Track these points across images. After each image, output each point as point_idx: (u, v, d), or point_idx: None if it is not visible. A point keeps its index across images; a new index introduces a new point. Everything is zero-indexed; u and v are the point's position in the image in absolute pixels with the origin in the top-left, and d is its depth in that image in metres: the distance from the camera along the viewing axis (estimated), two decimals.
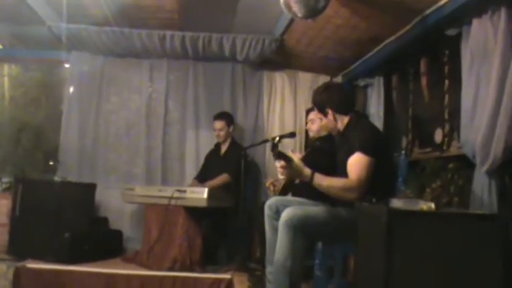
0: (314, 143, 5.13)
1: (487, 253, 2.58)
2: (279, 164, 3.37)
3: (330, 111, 3.64)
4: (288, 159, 3.29)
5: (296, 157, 3.40)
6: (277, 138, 3.57)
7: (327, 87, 3.88)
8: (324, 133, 5.05)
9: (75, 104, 6.83)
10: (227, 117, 6.34)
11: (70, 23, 5.96)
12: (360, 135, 3.46)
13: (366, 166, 3.31)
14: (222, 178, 5.93)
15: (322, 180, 3.35)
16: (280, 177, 3.55)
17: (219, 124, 6.27)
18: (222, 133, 6.28)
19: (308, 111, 5.31)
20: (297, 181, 4.53)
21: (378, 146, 3.44)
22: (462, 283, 2.54)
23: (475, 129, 3.62)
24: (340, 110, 3.65)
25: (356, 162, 3.34)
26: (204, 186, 5.53)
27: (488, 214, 3.08)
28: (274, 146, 3.30)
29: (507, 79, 3.32)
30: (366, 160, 3.32)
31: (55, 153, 6.66)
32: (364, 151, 3.33)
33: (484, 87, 3.57)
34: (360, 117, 3.71)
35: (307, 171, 3.35)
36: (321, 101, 3.71)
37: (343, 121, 3.67)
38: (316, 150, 4.86)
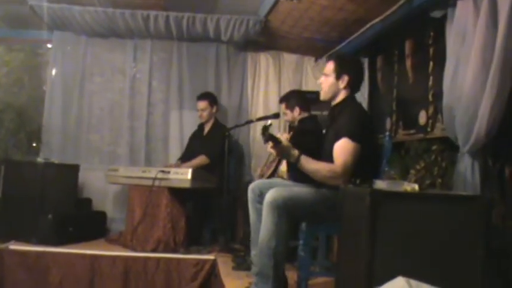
0: (298, 126, 5.16)
1: (469, 234, 2.59)
2: (269, 145, 3.36)
3: (346, 78, 3.61)
4: (276, 141, 3.28)
5: (284, 138, 3.39)
6: (269, 122, 3.56)
7: (356, 60, 3.90)
8: (296, 122, 5.14)
9: (58, 84, 6.79)
10: (210, 98, 6.31)
11: (53, 3, 5.92)
12: (348, 120, 3.44)
13: (351, 152, 3.31)
14: (199, 160, 5.91)
15: (308, 163, 3.35)
16: (273, 157, 3.54)
17: (202, 104, 6.24)
18: (205, 113, 6.25)
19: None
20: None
21: (365, 132, 3.44)
22: (445, 263, 2.55)
23: (456, 111, 3.62)
24: (352, 84, 3.64)
25: (342, 148, 3.33)
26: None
27: (471, 195, 3.09)
28: (265, 130, 3.28)
29: (492, 61, 3.31)
30: (352, 146, 3.32)
31: (38, 134, 6.61)
32: (351, 137, 3.32)
33: (463, 69, 3.57)
34: (353, 100, 3.70)
35: (294, 152, 3.34)
36: (344, 66, 3.66)
37: (343, 95, 3.65)
38: (299, 131, 4.88)
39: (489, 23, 3.37)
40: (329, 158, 3.39)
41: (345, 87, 3.62)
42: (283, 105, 5.40)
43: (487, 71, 3.31)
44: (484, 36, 3.38)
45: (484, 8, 3.41)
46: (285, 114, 5.34)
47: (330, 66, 3.67)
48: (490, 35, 3.36)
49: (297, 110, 5.23)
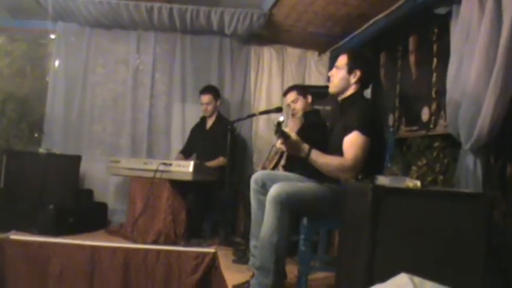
0: (297, 114, 5.14)
1: (471, 231, 2.59)
2: (279, 141, 3.35)
3: (358, 73, 3.60)
4: (285, 136, 3.27)
5: (293, 133, 3.38)
6: (281, 118, 3.55)
7: (369, 56, 3.92)
8: (308, 109, 5.11)
9: (61, 75, 6.78)
10: (214, 91, 6.31)
11: None
12: (359, 114, 3.41)
13: (362, 146, 3.29)
14: (220, 161, 5.88)
15: (318, 157, 3.33)
16: (284, 149, 3.52)
17: (206, 98, 6.24)
18: (210, 107, 6.25)
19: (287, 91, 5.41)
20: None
21: (375, 126, 3.43)
22: (446, 260, 2.55)
23: (459, 108, 3.62)
24: (364, 80, 3.62)
25: (353, 142, 3.31)
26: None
27: (473, 193, 3.08)
28: (278, 126, 3.26)
29: (496, 59, 3.31)
30: (363, 140, 3.29)
31: (40, 125, 6.62)
32: (362, 131, 3.29)
33: (466, 66, 3.56)
34: (362, 95, 3.68)
35: (304, 146, 3.33)
36: (357, 61, 3.63)
37: (352, 90, 3.63)
38: (306, 125, 4.87)
39: (494, 21, 3.36)
40: (336, 153, 3.38)
41: (356, 82, 3.59)
42: (294, 92, 5.29)
43: (491, 68, 3.31)
44: (489, 34, 3.37)
45: (488, 5, 3.41)
46: (294, 101, 5.23)
47: (343, 59, 3.64)
48: (494, 32, 3.35)
49: (309, 97, 5.19)
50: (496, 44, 3.31)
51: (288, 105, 5.34)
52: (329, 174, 3.37)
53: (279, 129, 3.23)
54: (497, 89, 3.25)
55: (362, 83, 3.63)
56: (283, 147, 3.37)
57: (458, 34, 3.71)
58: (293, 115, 5.16)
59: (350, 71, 3.60)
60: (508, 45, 3.21)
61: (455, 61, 3.72)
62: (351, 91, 3.63)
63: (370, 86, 5.49)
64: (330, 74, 3.73)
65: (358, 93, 3.63)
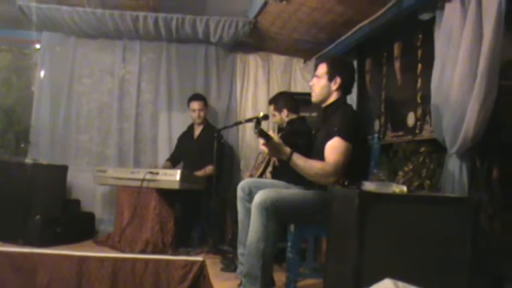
0: (287, 128, 5.17)
1: (457, 235, 2.61)
2: (260, 142, 3.36)
3: (338, 80, 3.63)
4: (267, 138, 3.28)
5: (276, 136, 3.40)
6: (261, 114, 3.56)
7: (349, 63, 3.89)
8: (284, 124, 5.16)
9: (47, 85, 6.76)
10: (204, 98, 6.33)
11: (41, 3, 5.90)
12: (341, 120, 3.44)
13: (344, 151, 3.30)
14: (208, 170, 5.85)
15: (300, 161, 3.34)
16: (265, 154, 3.54)
17: (199, 104, 6.23)
18: (202, 113, 6.25)
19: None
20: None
21: (357, 132, 3.44)
22: (433, 264, 2.56)
23: (443, 113, 3.64)
24: (344, 86, 3.65)
25: (334, 147, 3.33)
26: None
27: (458, 197, 3.11)
28: (257, 123, 3.27)
29: (479, 63, 3.33)
30: (344, 145, 3.31)
31: (26, 135, 6.58)
32: (344, 136, 3.32)
33: (450, 71, 3.59)
34: (345, 102, 3.71)
35: (286, 149, 3.34)
36: (337, 68, 3.66)
37: (334, 97, 3.66)
38: (289, 132, 4.89)
39: (475, 26, 3.39)
40: (320, 159, 3.39)
41: (337, 89, 3.63)
42: (271, 107, 5.41)
43: (474, 74, 3.34)
44: (471, 40, 3.40)
45: (470, 11, 3.44)
46: (273, 115, 5.34)
47: (323, 68, 3.68)
48: (476, 38, 3.38)
49: (284, 112, 5.23)
50: (478, 49, 3.34)
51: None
52: (310, 178, 3.39)
53: (258, 126, 3.24)
54: (481, 94, 3.28)
55: (343, 89, 3.66)
56: (265, 149, 3.38)
57: (442, 40, 3.74)
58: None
59: (330, 79, 3.64)
60: (491, 50, 3.24)
61: (438, 67, 3.75)
62: (333, 98, 3.66)
63: (356, 92, 5.57)
64: (310, 83, 3.76)
65: (341, 100, 3.66)
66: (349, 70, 3.75)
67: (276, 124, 5.55)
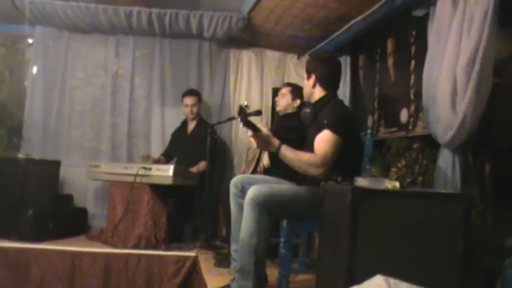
0: (281, 123, 5.15)
1: (449, 231, 2.62)
2: (249, 134, 3.37)
3: (313, 77, 3.68)
4: (255, 129, 3.29)
5: (264, 128, 3.41)
6: (245, 103, 3.56)
7: (325, 58, 3.90)
8: (290, 110, 5.09)
9: (40, 80, 6.74)
10: (198, 94, 6.34)
11: None
12: (330, 113, 3.47)
13: (332, 144, 3.32)
14: (202, 166, 5.85)
15: (288, 152, 3.36)
16: (254, 146, 3.53)
17: (192, 100, 6.24)
18: (195, 109, 6.25)
19: (278, 89, 5.41)
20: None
21: (346, 126, 3.46)
22: (425, 260, 2.57)
23: (435, 108, 3.65)
24: (322, 82, 3.68)
25: (323, 139, 3.35)
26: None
27: (451, 193, 3.11)
28: (242, 110, 3.28)
29: (470, 59, 3.34)
30: (334, 138, 3.33)
31: (19, 130, 6.57)
32: (333, 129, 3.34)
33: (440, 67, 3.59)
34: (333, 97, 3.73)
35: (275, 141, 3.36)
36: (312, 65, 3.74)
37: (319, 93, 3.70)
38: (283, 126, 4.88)
39: (465, 22, 3.40)
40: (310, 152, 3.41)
41: (314, 85, 3.71)
42: (288, 88, 5.24)
43: (467, 69, 3.34)
44: (459, 36, 3.42)
45: (460, 7, 3.45)
46: (283, 95, 5.22)
47: (304, 67, 3.79)
48: (464, 34, 3.39)
49: (297, 101, 5.16)
50: (466, 45, 3.35)
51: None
52: (299, 170, 3.40)
53: (242, 115, 3.24)
54: (474, 88, 3.29)
55: (324, 85, 3.71)
56: (253, 141, 3.39)
57: (434, 36, 3.75)
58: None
59: (308, 77, 3.74)
60: (481, 47, 3.25)
61: (430, 63, 3.75)
62: (317, 94, 3.72)
63: (349, 88, 5.57)
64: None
65: (328, 95, 3.70)
66: (325, 65, 3.76)
67: (278, 107, 5.39)
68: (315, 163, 3.31)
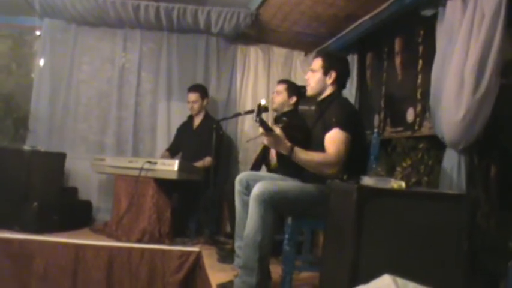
0: (281, 119, 5.14)
1: (454, 232, 2.62)
2: (260, 130, 3.36)
3: (333, 74, 3.67)
4: (268, 129, 3.29)
5: (277, 128, 3.41)
6: (263, 103, 3.56)
7: (342, 57, 3.98)
8: (286, 108, 5.11)
9: (47, 72, 6.73)
10: (201, 90, 6.31)
11: None
12: (338, 111, 3.48)
13: (343, 142, 3.34)
14: (207, 161, 5.84)
15: (302, 154, 3.35)
16: (267, 144, 3.53)
17: (193, 96, 6.23)
18: (196, 106, 6.24)
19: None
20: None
21: (354, 124, 3.47)
22: (429, 260, 2.57)
23: (442, 109, 3.64)
24: (338, 80, 3.70)
25: (334, 138, 3.36)
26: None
27: (456, 194, 3.11)
28: (259, 111, 3.27)
29: (479, 61, 3.33)
30: (344, 136, 3.35)
31: (25, 122, 6.57)
32: (342, 127, 3.35)
33: (449, 68, 3.59)
34: (339, 95, 3.73)
35: (286, 143, 3.35)
36: (331, 62, 3.73)
37: (329, 91, 3.71)
38: (288, 125, 4.87)
39: (474, 23, 3.39)
40: (318, 151, 3.41)
41: (332, 83, 3.69)
42: (284, 85, 5.30)
43: (475, 71, 3.33)
44: (468, 37, 3.41)
45: (470, 7, 3.44)
46: (278, 93, 5.25)
47: (318, 62, 3.74)
48: (474, 35, 3.38)
49: (293, 98, 5.17)
50: (476, 46, 3.34)
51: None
52: (313, 171, 3.41)
53: (260, 116, 3.24)
54: (481, 91, 3.28)
55: (338, 83, 3.73)
56: (264, 139, 3.38)
57: (443, 36, 3.74)
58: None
59: (326, 73, 3.70)
60: (490, 48, 3.25)
61: (439, 63, 3.75)
62: (328, 92, 3.72)
63: (356, 87, 5.56)
64: (306, 77, 3.79)
65: (336, 93, 3.71)
66: (344, 65, 3.81)
67: (273, 106, 5.40)
68: (330, 163, 3.32)
